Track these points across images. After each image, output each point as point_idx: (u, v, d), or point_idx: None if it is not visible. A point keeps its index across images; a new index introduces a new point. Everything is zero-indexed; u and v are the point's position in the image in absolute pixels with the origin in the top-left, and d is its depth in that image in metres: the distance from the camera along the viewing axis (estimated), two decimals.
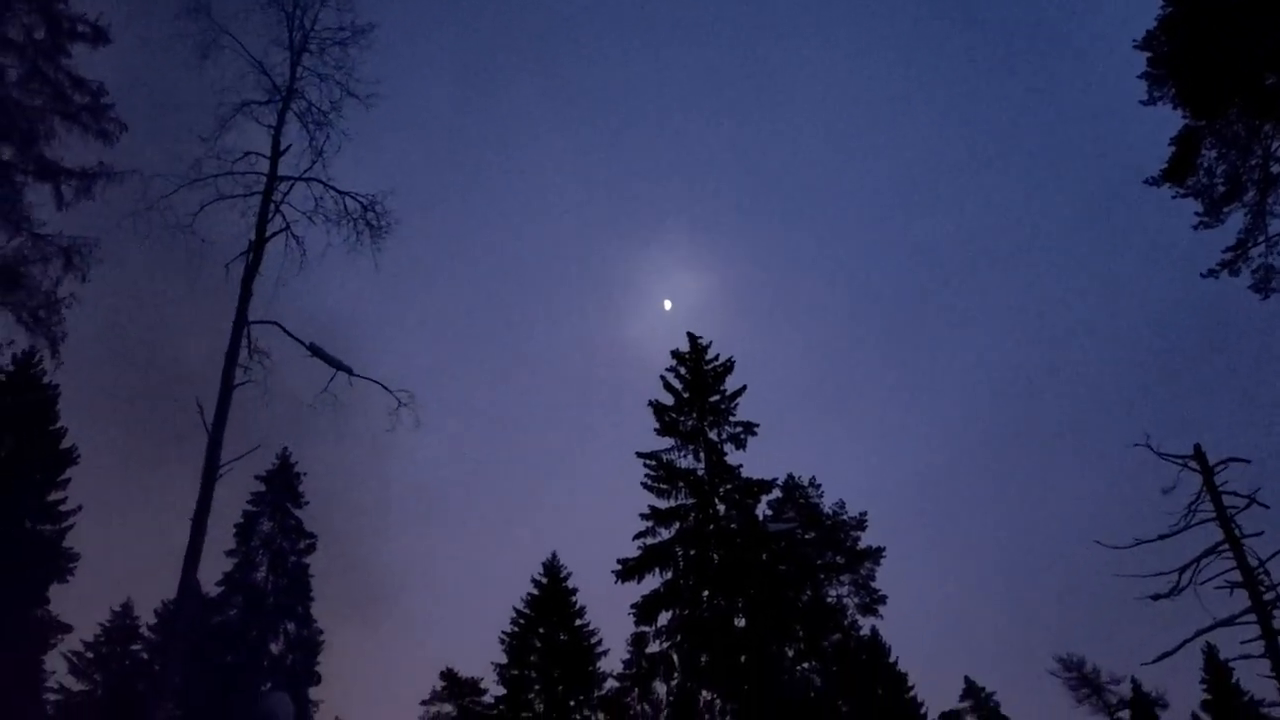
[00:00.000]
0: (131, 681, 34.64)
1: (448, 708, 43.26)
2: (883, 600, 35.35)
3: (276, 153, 17.81)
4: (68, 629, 31.64)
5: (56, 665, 33.46)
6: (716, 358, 35.77)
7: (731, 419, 34.40)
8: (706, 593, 31.77)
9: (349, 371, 18.23)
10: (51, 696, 33.68)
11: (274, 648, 33.36)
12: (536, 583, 39.33)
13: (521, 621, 38.49)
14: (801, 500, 36.29)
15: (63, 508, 30.61)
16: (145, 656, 35.98)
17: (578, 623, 38.54)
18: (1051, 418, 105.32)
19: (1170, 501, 17.41)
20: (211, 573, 32.75)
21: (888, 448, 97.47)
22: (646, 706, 35.09)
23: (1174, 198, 20.25)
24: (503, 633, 38.32)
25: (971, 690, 42.00)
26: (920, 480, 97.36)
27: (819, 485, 37.22)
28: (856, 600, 35.20)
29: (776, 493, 34.92)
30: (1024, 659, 71.32)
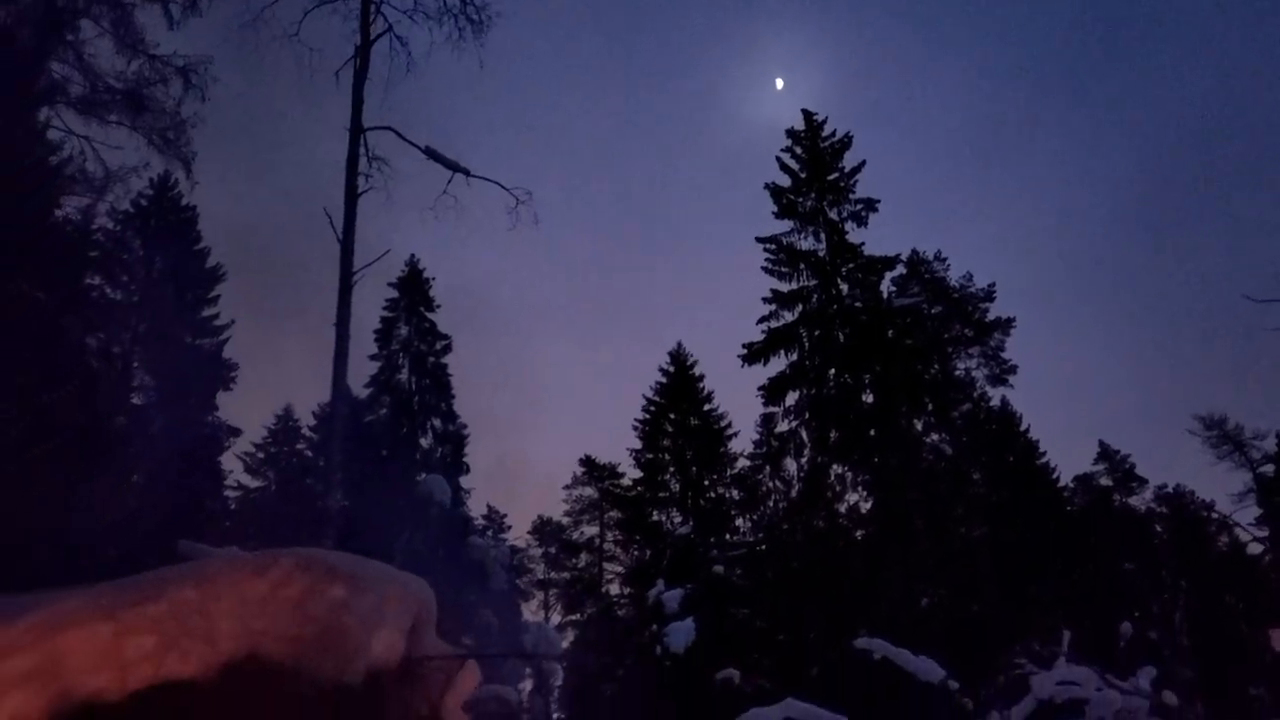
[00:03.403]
0: (300, 476, 37.70)
1: (589, 491, 45.85)
2: (1013, 370, 34.99)
3: None
4: (238, 432, 34.43)
5: (233, 465, 36.65)
6: (833, 134, 34.58)
7: (851, 196, 33.58)
8: (833, 371, 32.05)
9: (466, 172, 18.44)
10: (231, 493, 37.02)
11: (423, 442, 35.56)
12: (664, 371, 40.32)
13: (652, 409, 39.78)
14: (927, 275, 35.57)
15: (217, 322, 32.62)
16: (309, 454, 38.93)
17: (707, 407, 39.60)
18: (1189, 172, 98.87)
19: None
20: (359, 376, 34.69)
21: (1017, 214, 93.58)
22: (778, 483, 36.30)
23: None
24: (635, 420, 39.78)
25: (1105, 454, 41.69)
26: (1052, 245, 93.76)
27: (945, 258, 36.37)
28: (986, 372, 34.94)
29: (900, 269, 34.30)
30: (1162, 421, 70.22)
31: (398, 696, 3.76)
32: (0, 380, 16.84)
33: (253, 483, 38.88)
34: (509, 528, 46.31)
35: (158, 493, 27.01)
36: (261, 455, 39.24)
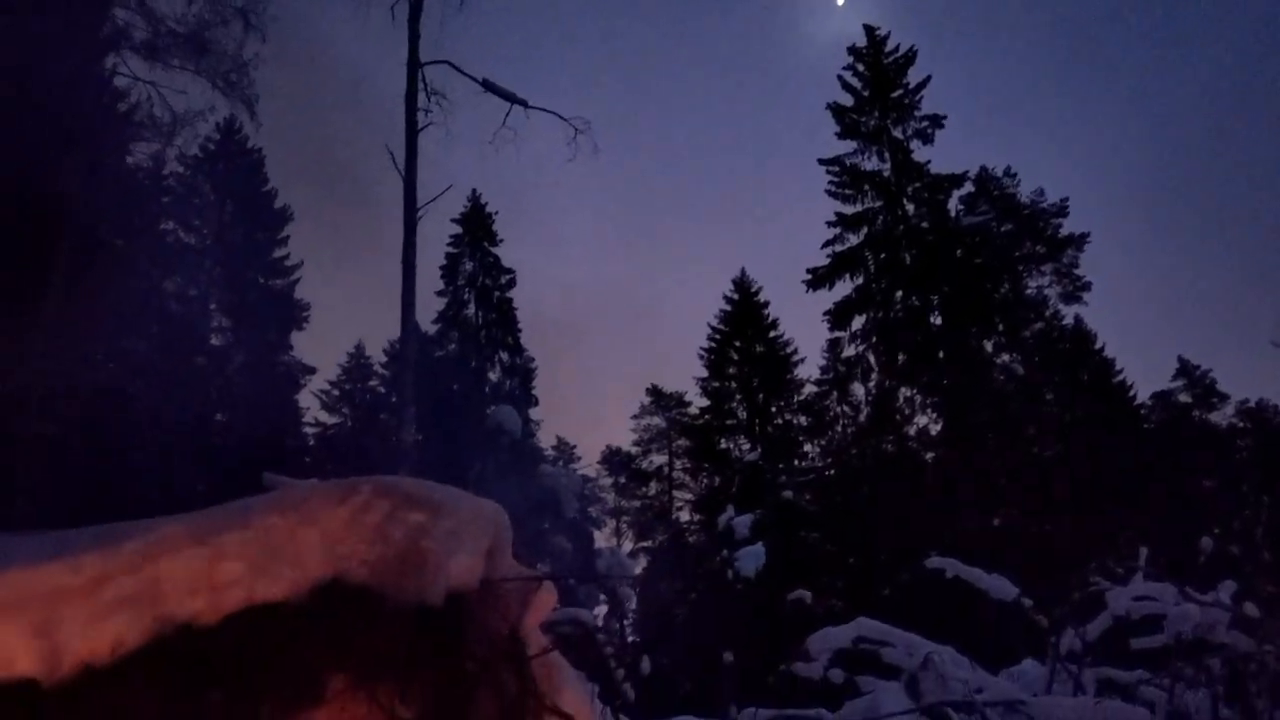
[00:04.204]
0: (374, 412, 38.56)
1: (656, 420, 46.15)
2: (1087, 287, 34.05)
3: None
4: (312, 370, 35.39)
5: (309, 402, 37.61)
6: (896, 49, 33.65)
7: (916, 113, 32.80)
8: (900, 293, 31.67)
9: (523, 104, 18.38)
10: (309, 429, 38.06)
11: (492, 376, 36.12)
12: (728, 299, 40.15)
13: (718, 337, 39.74)
14: (996, 192, 34.55)
15: (287, 263, 33.30)
16: (382, 390, 39.76)
17: (772, 334, 39.43)
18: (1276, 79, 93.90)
19: None
20: (426, 312, 35.16)
21: (1093, 127, 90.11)
22: (846, 407, 36.20)
23: None
24: (701, 348, 39.80)
25: (1185, 369, 40.57)
26: (1129, 158, 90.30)
27: (1015, 174, 35.26)
28: (1058, 289, 34.04)
29: (969, 186, 33.39)
30: (1244, 336, 67.81)
31: (478, 617, 3.89)
32: (88, 325, 17.42)
33: (330, 419, 39.90)
34: (579, 458, 46.88)
35: (240, 430, 27.91)
36: (336, 392, 40.19)
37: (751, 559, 25.17)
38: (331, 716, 3.41)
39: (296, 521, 3.57)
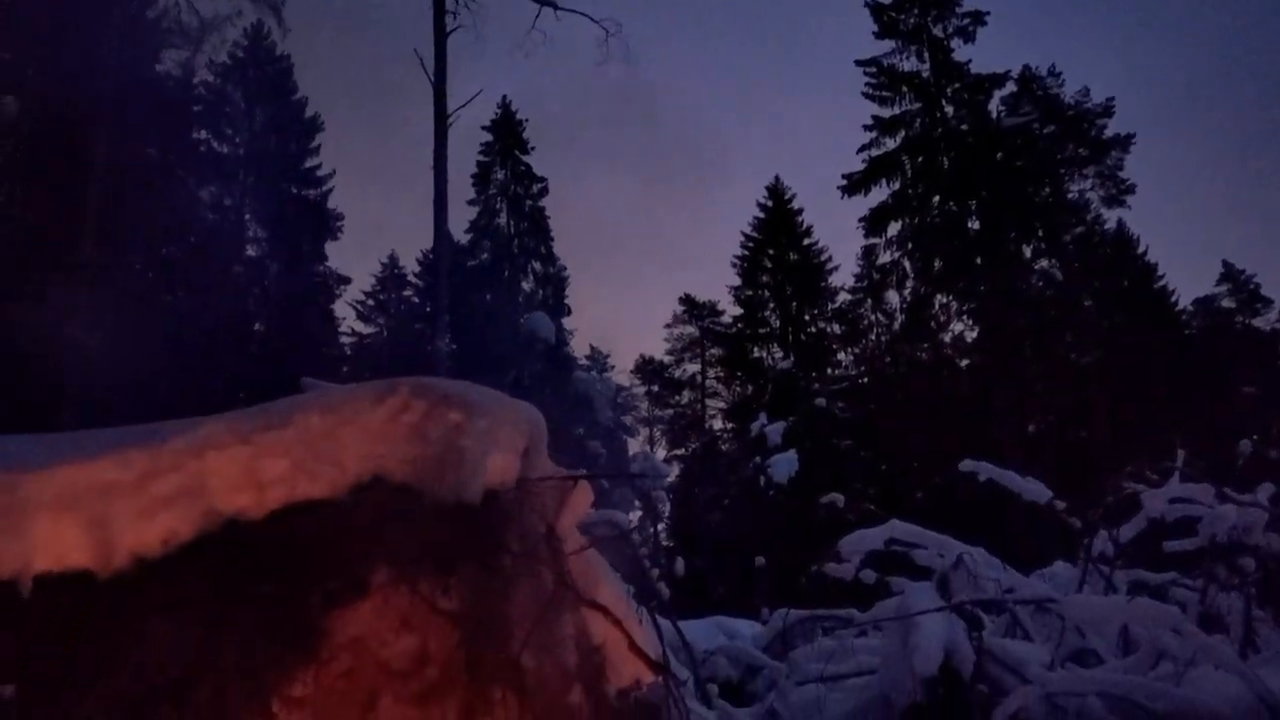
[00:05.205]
0: (408, 322, 38.85)
1: (689, 329, 46.12)
2: (1130, 190, 33.13)
3: None
4: (347, 280, 35.58)
5: (345, 312, 37.94)
6: None
7: (957, 10, 31.56)
8: (937, 198, 31.03)
9: (553, 5, 18.04)
10: (345, 339, 38.47)
11: (525, 285, 36.10)
12: (762, 206, 39.65)
13: (751, 245, 39.36)
14: (1039, 92, 33.41)
15: (319, 173, 33.20)
16: (416, 300, 40.00)
17: (806, 242, 38.99)
18: None
19: None
20: (459, 222, 35.02)
21: (1141, 22, 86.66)
22: (880, 315, 35.95)
23: None
24: (734, 256, 39.49)
25: (1229, 274, 39.66)
26: (1178, 56, 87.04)
27: (1059, 74, 34.05)
28: (1101, 193, 33.15)
29: (1010, 87, 32.25)
30: None
31: (515, 514, 3.97)
32: (128, 234, 17.56)
33: (365, 329, 40.28)
34: (612, 367, 47.06)
35: (277, 338, 28.27)
36: (371, 302, 40.48)
37: (784, 465, 25.43)
38: (375, 609, 3.52)
39: (336, 421, 3.63)
